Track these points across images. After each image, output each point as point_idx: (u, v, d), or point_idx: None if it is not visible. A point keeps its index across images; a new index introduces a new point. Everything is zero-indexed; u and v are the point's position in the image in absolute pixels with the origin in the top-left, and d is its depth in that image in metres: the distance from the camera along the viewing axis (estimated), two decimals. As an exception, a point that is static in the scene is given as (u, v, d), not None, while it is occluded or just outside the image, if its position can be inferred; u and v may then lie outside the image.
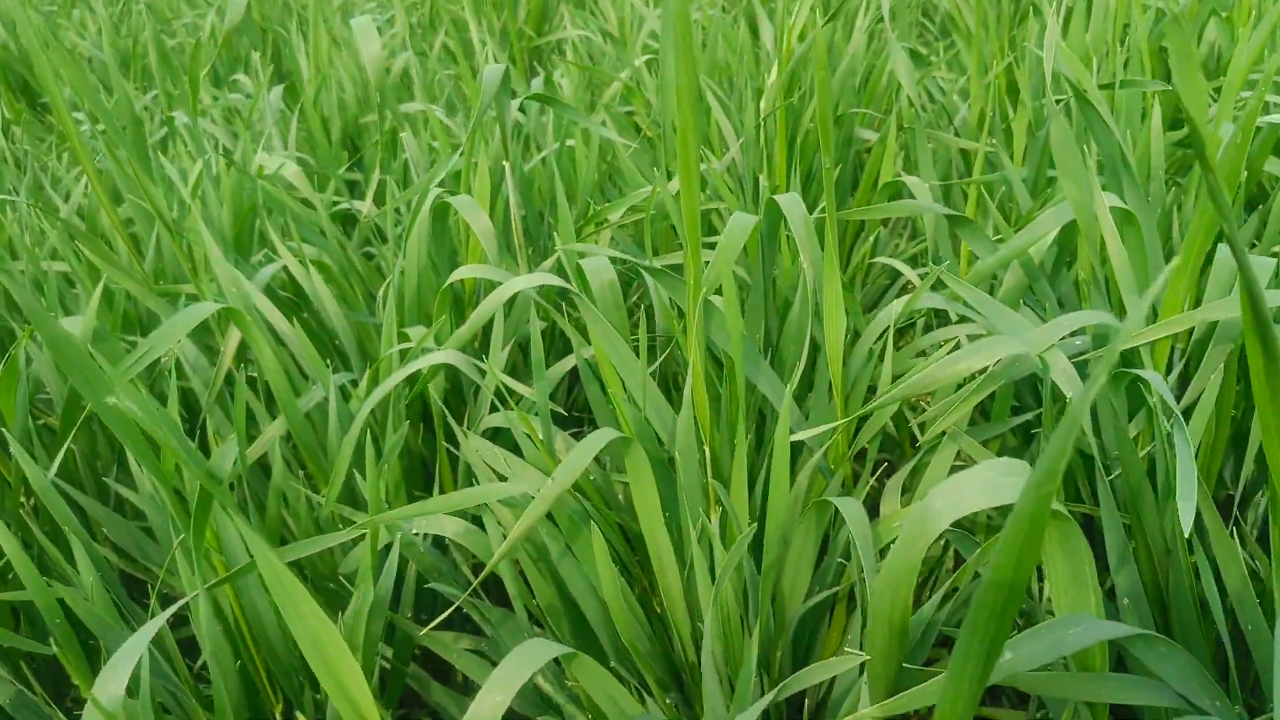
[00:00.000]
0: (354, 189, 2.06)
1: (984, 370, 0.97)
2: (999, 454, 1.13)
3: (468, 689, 1.14)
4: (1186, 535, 0.65)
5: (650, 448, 0.92)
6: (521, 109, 2.10)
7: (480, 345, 1.36)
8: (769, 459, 0.98)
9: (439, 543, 1.14)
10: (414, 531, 0.96)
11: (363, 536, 1.09)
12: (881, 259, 1.31)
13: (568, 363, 1.22)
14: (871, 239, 1.52)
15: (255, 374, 1.37)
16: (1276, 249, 1.17)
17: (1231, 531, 0.85)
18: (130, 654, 0.69)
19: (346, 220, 1.88)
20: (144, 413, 0.71)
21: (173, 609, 0.72)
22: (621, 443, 0.83)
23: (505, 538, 0.96)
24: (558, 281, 0.94)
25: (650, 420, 0.94)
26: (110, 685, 0.68)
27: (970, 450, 0.96)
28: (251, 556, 0.93)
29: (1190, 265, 0.86)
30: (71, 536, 0.89)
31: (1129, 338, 0.89)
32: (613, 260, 1.17)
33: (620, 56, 2.46)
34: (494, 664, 1.05)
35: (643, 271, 0.98)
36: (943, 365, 0.82)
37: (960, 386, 1.05)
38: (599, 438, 0.83)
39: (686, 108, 0.79)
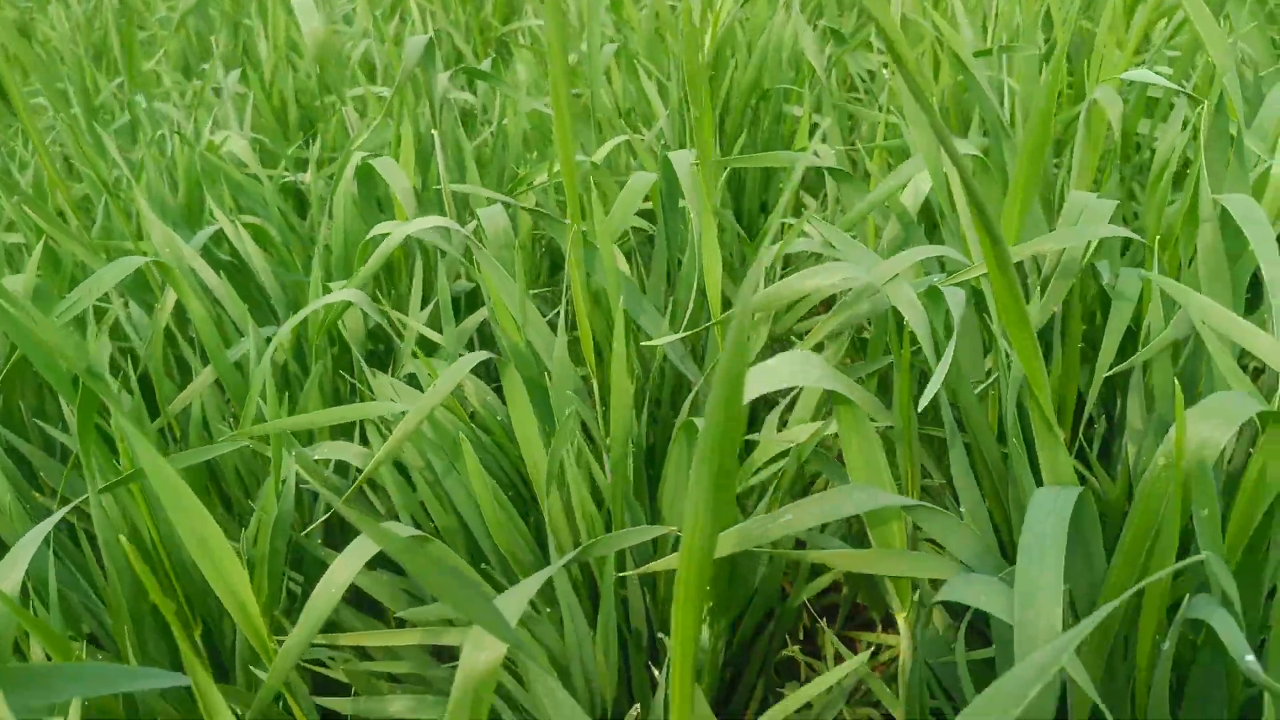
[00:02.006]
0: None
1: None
2: (874, 392, 1.20)
3: (379, 613, 1.22)
4: (919, 410, 0.74)
5: (528, 371, 0.99)
6: (474, 90, 2.19)
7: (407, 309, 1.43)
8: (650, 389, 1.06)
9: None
10: (315, 458, 1.04)
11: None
12: (785, 219, 1.39)
13: (481, 315, 1.30)
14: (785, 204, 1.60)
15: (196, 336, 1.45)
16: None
17: (1074, 450, 0.93)
18: (30, 543, 0.77)
19: (303, 201, 1.96)
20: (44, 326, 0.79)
21: (75, 503, 0.79)
22: (497, 362, 0.91)
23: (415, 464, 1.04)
24: (447, 223, 1.02)
25: (533, 346, 1.02)
26: (11, 573, 0.76)
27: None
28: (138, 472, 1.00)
29: (1018, 200, 0.94)
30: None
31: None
32: (534, 215, 1.25)
33: (580, 46, 2.54)
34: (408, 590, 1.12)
35: (525, 211, 1.05)
36: (790, 281, 0.89)
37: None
38: (471, 359, 0.90)
39: (555, 42, 0.87)
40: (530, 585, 0.63)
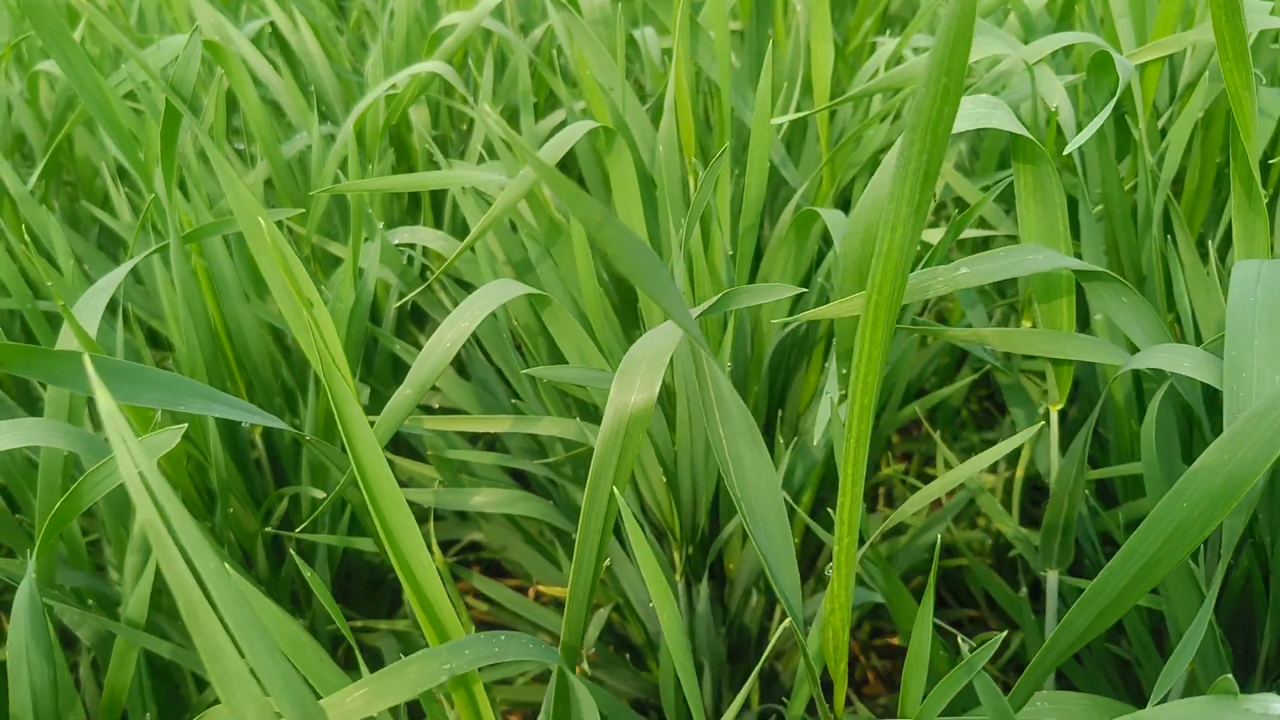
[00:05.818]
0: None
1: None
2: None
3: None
4: (1066, 152, 0.67)
5: (632, 152, 0.92)
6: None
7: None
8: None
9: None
10: (395, 242, 0.96)
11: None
12: (881, 39, 1.29)
13: (558, 115, 1.21)
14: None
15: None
16: None
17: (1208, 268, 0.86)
18: (108, 284, 0.70)
19: (343, 14, 1.84)
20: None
21: (148, 252, 0.72)
22: (602, 133, 0.83)
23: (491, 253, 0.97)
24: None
25: (631, 130, 0.94)
26: (86, 312, 0.69)
27: (954, 182, 0.96)
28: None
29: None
30: (54, 229, 0.89)
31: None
32: None
33: None
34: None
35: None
36: (921, 60, 0.81)
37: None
38: (578, 128, 0.82)
39: None
40: (667, 331, 0.56)
